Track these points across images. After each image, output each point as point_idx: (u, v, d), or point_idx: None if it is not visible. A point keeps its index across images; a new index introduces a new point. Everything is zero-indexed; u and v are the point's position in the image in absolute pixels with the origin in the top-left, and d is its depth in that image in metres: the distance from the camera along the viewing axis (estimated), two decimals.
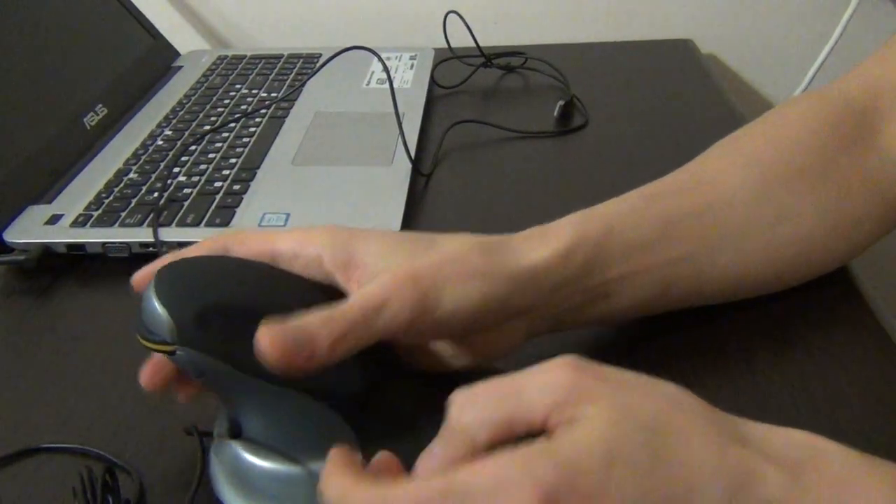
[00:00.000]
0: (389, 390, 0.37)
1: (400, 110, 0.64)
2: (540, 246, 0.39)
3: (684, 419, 0.29)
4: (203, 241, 0.39)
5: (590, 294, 0.41)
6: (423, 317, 0.35)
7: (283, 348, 0.31)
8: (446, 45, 0.83)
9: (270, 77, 0.80)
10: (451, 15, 0.82)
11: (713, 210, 0.43)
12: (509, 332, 0.39)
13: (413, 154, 0.63)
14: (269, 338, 0.31)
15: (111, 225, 0.55)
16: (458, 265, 0.37)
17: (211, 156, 0.64)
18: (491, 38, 0.85)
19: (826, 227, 0.45)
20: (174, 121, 0.71)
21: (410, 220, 0.58)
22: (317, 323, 0.32)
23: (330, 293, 0.37)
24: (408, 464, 0.37)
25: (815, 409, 0.41)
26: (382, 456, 0.33)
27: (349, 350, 0.33)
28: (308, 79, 0.68)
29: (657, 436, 0.28)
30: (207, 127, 0.69)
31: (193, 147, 0.66)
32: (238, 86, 0.78)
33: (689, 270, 0.43)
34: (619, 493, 0.27)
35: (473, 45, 0.82)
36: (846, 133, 0.46)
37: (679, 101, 0.76)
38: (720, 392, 0.42)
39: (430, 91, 0.77)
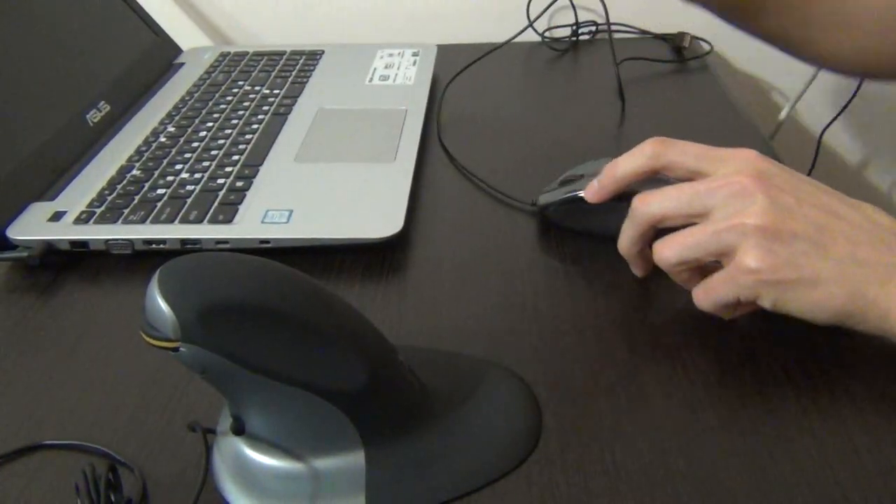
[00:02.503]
0: (391, 388, 0.37)
1: (403, 107, 0.64)
2: None
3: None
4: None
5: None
6: None
7: None
8: (459, 42, 0.83)
9: (273, 74, 0.80)
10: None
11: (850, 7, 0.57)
12: None
13: (416, 151, 0.63)
14: None
15: (114, 222, 0.55)
16: None
17: (214, 153, 0.64)
18: (484, 35, 0.84)
19: None
20: (177, 118, 0.71)
21: (414, 218, 0.58)
22: None
23: (330, 293, 0.37)
24: (406, 462, 0.37)
25: (819, 407, 0.41)
26: None
27: None
28: (310, 75, 0.68)
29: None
30: (210, 124, 0.69)
31: (196, 144, 0.66)
32: (241, 82, 0.78)
33: (805, 31, 0.58)
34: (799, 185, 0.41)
35: (456, 42, 0.81)
36: None
37: (681, 101, 0.76)
38: (723, 388, 0.42)
39: (432, 87, 0.77)
